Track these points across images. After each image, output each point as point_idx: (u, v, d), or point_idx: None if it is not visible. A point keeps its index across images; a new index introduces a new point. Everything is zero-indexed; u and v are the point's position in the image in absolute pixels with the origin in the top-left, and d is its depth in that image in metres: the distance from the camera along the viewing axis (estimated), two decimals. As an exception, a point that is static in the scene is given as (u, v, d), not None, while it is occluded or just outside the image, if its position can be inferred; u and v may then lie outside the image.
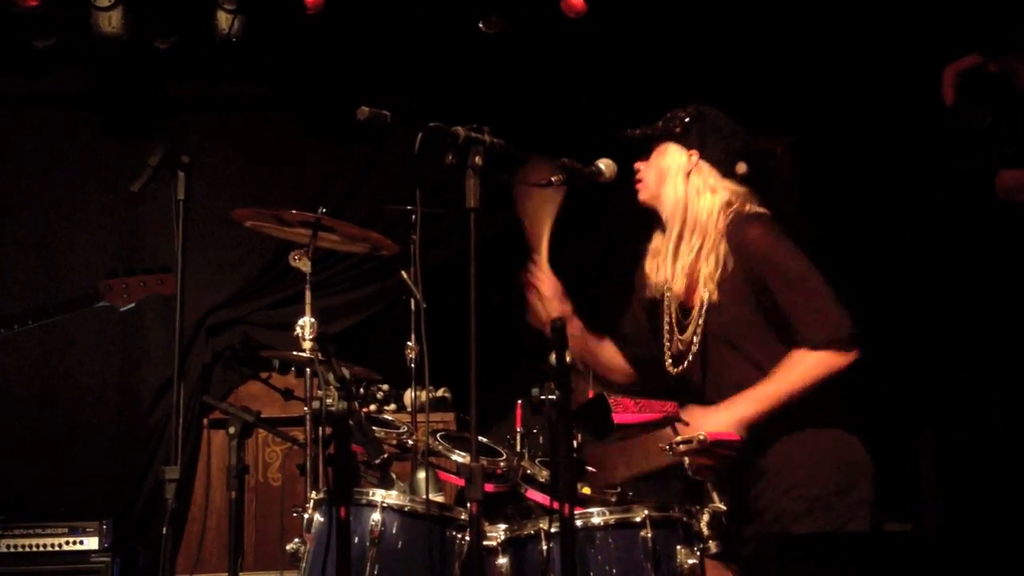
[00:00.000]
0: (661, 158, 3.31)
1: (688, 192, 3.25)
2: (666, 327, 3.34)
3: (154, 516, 4.97)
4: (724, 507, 2.88)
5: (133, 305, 4.47)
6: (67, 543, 4.53)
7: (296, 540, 3.04)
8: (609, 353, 3.51)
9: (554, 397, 2.61)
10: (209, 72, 5.24)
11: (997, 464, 4.95)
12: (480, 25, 5.19)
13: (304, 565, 2.97)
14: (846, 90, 5.12)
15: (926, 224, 5.15)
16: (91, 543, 4.55)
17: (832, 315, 3.06)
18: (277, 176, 5.48)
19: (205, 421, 5.14)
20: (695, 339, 3.22)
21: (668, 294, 3.31)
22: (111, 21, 5.01)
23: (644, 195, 3.36)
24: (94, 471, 5.19)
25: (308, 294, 3.53)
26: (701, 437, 2.86)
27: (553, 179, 3.10)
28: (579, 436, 2.81)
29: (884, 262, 5.21)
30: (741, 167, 3.30)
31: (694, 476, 2.91)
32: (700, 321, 3.21)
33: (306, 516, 3.02)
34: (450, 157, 2.83)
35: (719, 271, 3.17)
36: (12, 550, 4.52)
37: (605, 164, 3.15)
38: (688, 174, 3.25)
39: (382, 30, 5.27)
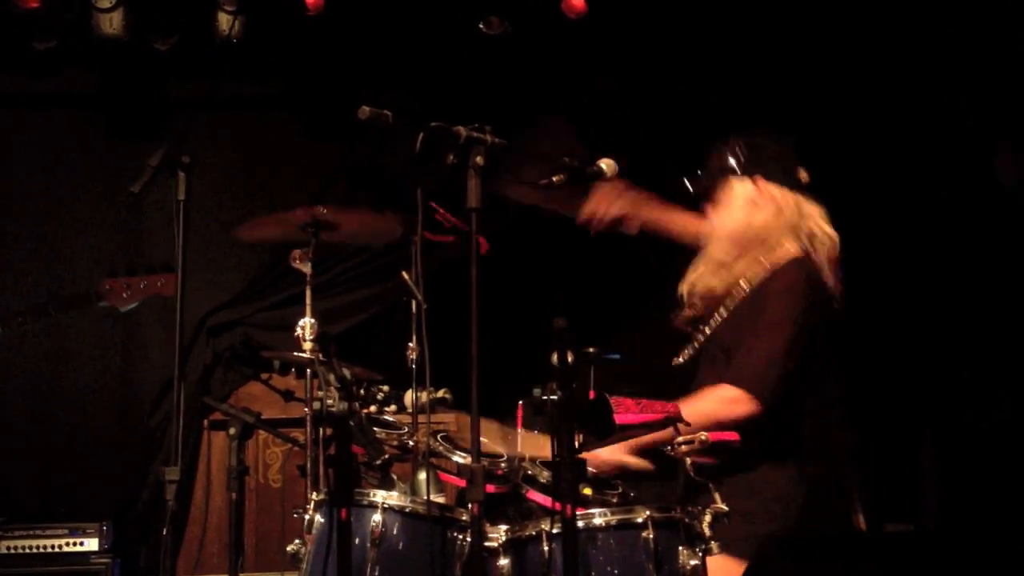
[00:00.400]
0: (727, 195, 3.40)
1: (748, 214, 3.35)
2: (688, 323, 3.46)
3: (155, 517, 4.95)
4: (726, 508, 2.87)
5: (135, 305, 4.44)
6: (67, 544, 4.53)
7: (296, 541, 3.03)
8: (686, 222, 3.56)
9: (556, 397, 2.60)
10: (210, 73, 5.23)
11: (997, 464, 4.95)
12: (481, 26, 5.19)
13: (304, 566, 2.96)
14: (847, 89, 5.12)
15: (927, 221, 5.15)
16: (91, 544, 4.55)
17: (761, 366, 3.14)
18: (279, 177, 5.48)
19: (206, 422, 5.13)
20: (698, 338, 3.33)
21: (698, 295, 3.41)
22: (112, 22, 5.01)
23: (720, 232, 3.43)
24: (95, 472, 5.18)
25: (309, 295, 3.52)
26: (703, 438, 2.86)
27: (554, 179, 3.10)
28: (580, 436, 2.80)
29: (885, 259, 5.21)
30: (803, 175, 3.41)
31: (695, 476, 2.90)
32: (713, 322, 3.32)
33: (307, 517, 3.01)
34: (451, 157, 2.82)
35: (752, 283, 3.28)
36: (12, 551, 4.52)
37: (607, 164, 3.16)
38: (754, 201, 3.36)
39: (383, 31, 5.26)
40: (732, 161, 3.37)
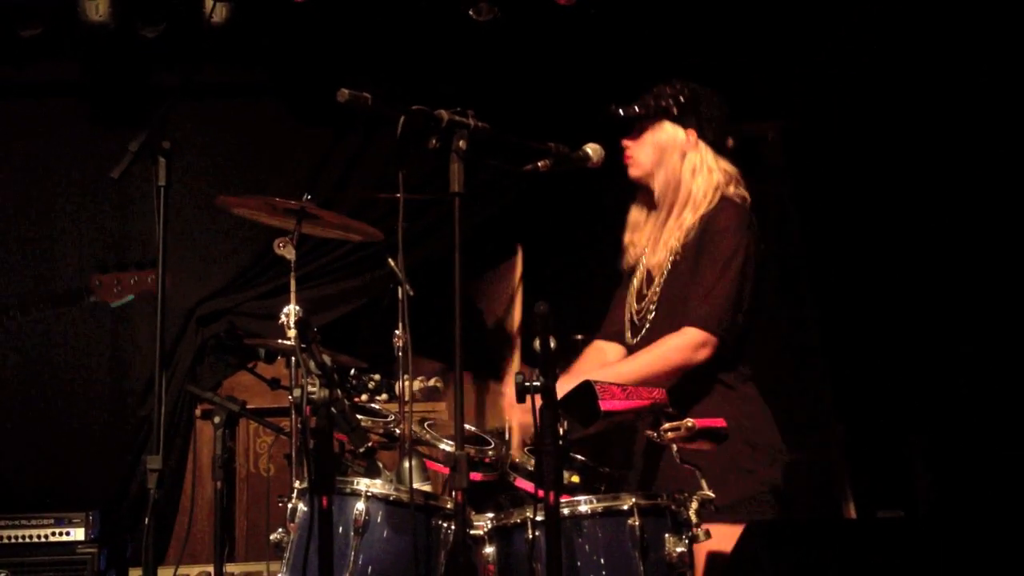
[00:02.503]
0: (656, 135, 3.33)
1: (683, 170, 3.28)
2: (629, 296, 3.40)
3: (144, 507, 4.94)
4: (712, 495, 2.85)
5: (126, 301, 4.38)
6: (53, 534, 4.51)
7: (280, 530, 3.01)
8: (602, 358, 3.46)
9: (538, 384, 2.58)
10: (197, 60, 5.20)
11: (988, 452, 4.93)
12: (470, 12, 5.16)
13: (287, 555, 2.94)
14: (837, 73, 5.09)
15: (920, 210, 5.13)
16: (77, 534, 4.53)
17: (718, 307, 3.10)
18: (267, 164, 5.45)
19: (198, 411, 5.12)
20: (651, 307, 3.28)
21: (640, 266, 3.37)
22: (98, 9, 4.98)
23: (636, 172, 3.38)
24: (85, 462, 5.17)
25: (293, 282, 3.49)
26: (689, 424, 2.83)
27: (540, 164, 3.07)
28: (565, 423, 2.77)
29: (876, 246, 5.19)
30: (730, 142, 3.36)
31: (682, 463, 2.88)
32: (658, 288, 3.27)
33: (290, 506, 2.98)
34: (434, 141, 2.79)
35: (684, 238, 3.23)
36: (-2, 541, 4.51)
37: (592, 149, 3.15)
38: (684, 153, 3.29)
39: (372, 17, 5.24)
40: (672, 103, 3.30)
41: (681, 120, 3.31)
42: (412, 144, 2.80)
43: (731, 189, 3.27)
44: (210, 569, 3.66)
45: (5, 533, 4.50)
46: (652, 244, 3.34)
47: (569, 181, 3.53)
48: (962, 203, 5.05)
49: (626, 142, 3.39)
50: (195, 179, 5.30)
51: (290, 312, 3.44)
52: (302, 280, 4.32)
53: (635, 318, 3.35)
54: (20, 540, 4.49)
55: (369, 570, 2.81)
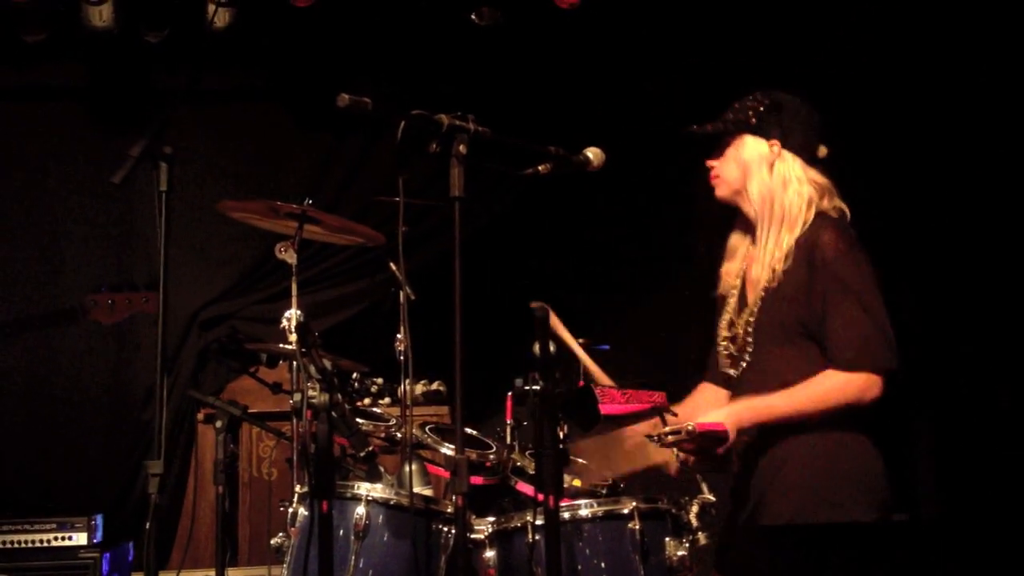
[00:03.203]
0: (739, 151, 3.10)
1: (774, 184, 3.05)
2: (721, 327, 3.17)
3: (146, 512, 4.94)
4: (713, 498, 2.84)
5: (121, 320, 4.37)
6: (55, 539, 4.50)
7: (280, 534, 3.01)
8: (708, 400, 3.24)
9: (538, 388, 2.58)
10: (201, 65, 5.21)
11: (994, 454, 4.91)
12: (473, 16, 5.16)
13: (288, 559, 2.94)
14: (838, 81, 5.08)
15: (921, 213, 5.12)
16: (79, 539, 4.52)
17: (872, 339, 2.88)
18: (270, 169, 5.46)
19: (200, 416, 5.12)
20: (748, 337, 3.04)
21: (733, 292, 3.16)
22: (102, 15, 4.99)
23: (723, 191, 3.14)
24: (87, 467, 5.18)
25: (294, 286, 3.49)
26: (689, 428, 2.82)
27: (540, 168, 3.07)
28: (565, 427, 2.77)
29: (877, 249, 5.18)
30: (822, 150, 3.14)
31: (682, 468, 2.88)
32: (752, 315, 3.03)
33: (291, 510, 2.99)
34: (434, 145, 2.79)
35: (785, 261, 2.98)
36: (0, 546, 4.50)
37: (593, 153, 3.12)
38: (772, 165, 3.06)
39: (374, 21, 5.25)
40: (751, 115, 3.09)
41: (762, 131, 3.07)
42: (412, 148, 2.80)
43: (825, 203, 3.04)
44: (212, 573, 3.66)
45: (7, 537, 4.50)
46: (749, 265, 3.13)
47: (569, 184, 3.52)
48: (962, 204, 5.05)
49: (709, 162, 3.17)
50: (197, 184, 5.30)
51: (291, 317, 3.44)
52: (304, 284, 4.31)
53: (732, 349, 3.10)
54: (22, 544, 4.49)
55: (370, 574, 2.82)
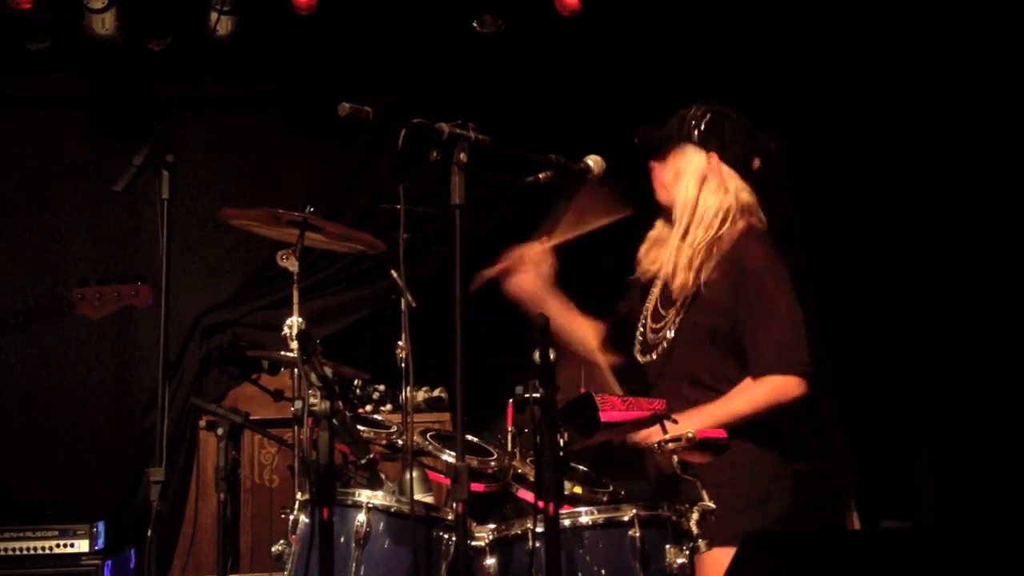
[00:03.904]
0: (679, 160, 3.34)
1: (702, 192, 3.28)
2: (644, 314, 3.40)
3: (149, 519, 4.95)
4: (713, 505, 2.85)
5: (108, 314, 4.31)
6: (57, 546, 4.51)
7: (282, 542, 3.01)
8: (586, 335, 3.46)
9: (538, 395, 2.58)
10: (203, 73, 5.22)
11: (994, 461, 4.91)
12: (474, 24, 5.18)
13: (289, 567, 2.94)
14: (838, 83, 5.09)
15: (921, 216, 5.12)
16: (81, 546, 4.53)
17: (787, 345, 3.12)
18: (272, 176, 5.47)
19: (202, 423, 5.13)
20: (670, 332, 3.29)
21: (656, 283, 3.38)
22: (104, 23, 5.01)
23: (662, 195, 3.39)
24: (89, 474, 5.19)
25: (296, 294, 3.50)
26: (689, 435, 2.83)
27: (540, 176, 3.08)
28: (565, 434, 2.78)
29: (880, 254, 5.18)
30: (756, 162, 3.37)
31: (682, 474, 2.88)
32: (679, 317, 3.26)
33: (292, 517, 2.99)
34: (435, 154, 2.81)
35: (713, 271, 3.21)
36: (2, 553, 4.50)
37: (594, 160, 3.14)
38: (704, 176, 3.30)
39: (376, 29, 5.26)
40: (693, 126, 3.31)
41: (703, 143, 3.31)
42: (414, 156, 2.82)
43: (752, 218, 3.29)
44: (213, 581, 3.66)
45: (9, 544, 4.51)
46: (670, 264, 3.32)
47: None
48: (963, 206, 5.05)
49: (653, 164, 3.41)
50: (199, 191, 5.32)
51: (293, 324, 3.45)
52: (305, 292, 4.31)
53: (649, 336, 3.36)
54: (24, 552, 4.50)
55: (370, 581, 2.82)
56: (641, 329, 3.40)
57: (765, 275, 3.18)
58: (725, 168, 3.30)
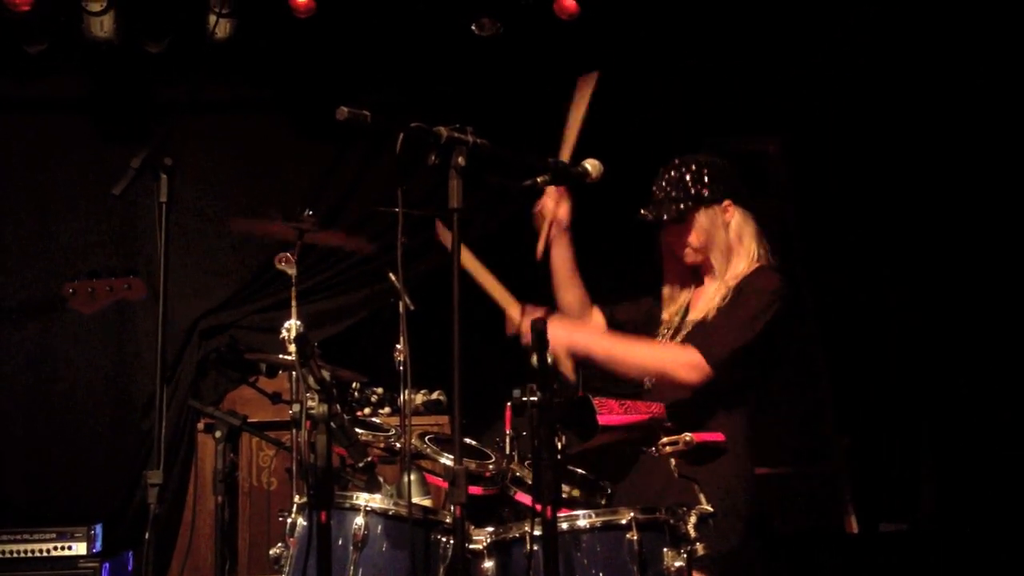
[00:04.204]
0: (701, 221, 3.37)
1: (731, 240, 3.37)
2: (663, 327, 3.45)
3: (147, 521, 4.94)
4: (711, 509, 2.85)
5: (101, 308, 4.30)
6: (55, 548, 4.51)
7: (279, 544, 3.01)
8: (578, 302, 3.54)
9: (536, 399, 2.59)
10: (202, 75, 5.23)
11: (994, 464, 4.91)
12: (473, 27, 5.18)
13: (287, 569, 2.94)
14: (837, 86, 5.10)
15: (920, 219, 5.13)
16: (79, 549, 4.53)
17: (721, 341, 3.18)
18: (271, 179, 5.48)
19: (200, 425, 5.13)
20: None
21: (677, 319, 3.44)
22: (103, 26, 5.01)
23: (693, 258, 3.43)
24: (87, 477, 5.18)
25: (294, 297, 3.51)
26: (687, 438, 2.84)
27: (539, 179, 3.08)
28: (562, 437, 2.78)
29: (880, 258, 5.19)
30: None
31: (680, 476, 2.88)
32: (685, 333, 3.34)
33: (290, 520, 2.99)
34: (433, 158, 2.80)
35: (724, 300, 3.31)
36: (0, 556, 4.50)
37: (592, 164, 3.15)
38: (727, 224, 3.38)
39: (375, 32, 5.26)
40: (699, 188, 3.35)
41: (715, 198, 3.36)
42: (412, 160, 2.82)
43: (770, 258, 3.37)
44: (211, 583, 3.67)
45: (7, 547, 4.50)
46: (695, 300, 3.43)
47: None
48: (962, 206, 5.06)
49: (670, 239, 3.44)
50: (198, 194, 5.32)
51: (291, 327, 3.46)
52: (303, 295, 4.33)
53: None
54: (22, 555, 4.50)
55: (368, 584, 2.82)
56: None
57: (762, 297, 3.24)
58: (739, 211, 3.38)
